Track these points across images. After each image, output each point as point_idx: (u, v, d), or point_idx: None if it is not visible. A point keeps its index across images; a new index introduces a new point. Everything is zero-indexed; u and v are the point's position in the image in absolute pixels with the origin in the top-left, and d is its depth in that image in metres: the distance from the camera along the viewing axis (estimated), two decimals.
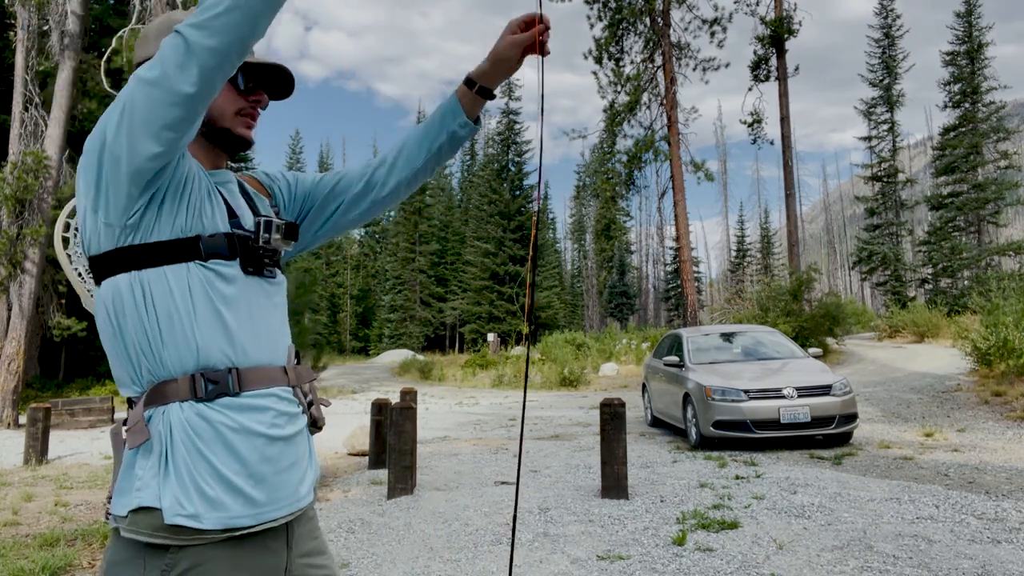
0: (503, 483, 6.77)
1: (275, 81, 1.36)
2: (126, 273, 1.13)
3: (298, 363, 1.31)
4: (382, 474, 6.95)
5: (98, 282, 1.17)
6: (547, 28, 1.30)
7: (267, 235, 1.25)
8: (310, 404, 1.32)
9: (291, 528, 1.24)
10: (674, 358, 9.52)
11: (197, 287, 1.15)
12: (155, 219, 1.14)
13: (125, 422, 1.18)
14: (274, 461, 1.17)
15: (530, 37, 1.31)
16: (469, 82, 1.39)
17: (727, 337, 10.13)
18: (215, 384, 1.13)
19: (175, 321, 1.13)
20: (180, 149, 1.14)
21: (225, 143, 1.33)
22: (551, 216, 54.53)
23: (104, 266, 1.15)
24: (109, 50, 16.17)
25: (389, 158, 1.46)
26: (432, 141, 1.43)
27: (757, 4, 24.65)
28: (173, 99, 1.07)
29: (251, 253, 1.23)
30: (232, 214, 1.25)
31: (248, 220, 1.28)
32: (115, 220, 1.13)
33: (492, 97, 1.43)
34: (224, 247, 1.19)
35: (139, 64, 1.31)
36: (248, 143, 1.33)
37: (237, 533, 1.12)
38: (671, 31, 24.35)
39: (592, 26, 25.28)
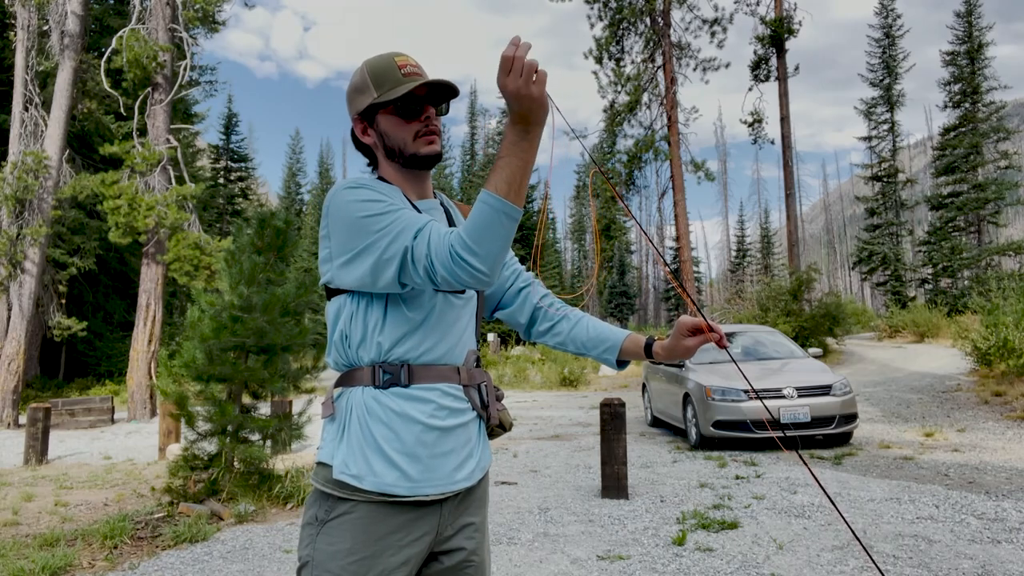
0: (503, 483, 6.77)
1: (434, 93, 1.48)
2: (346, 296, 1.43)
3: (477, 366, 1.51)
4: None
5: (329, 298, 1.48)
6: (721, 336, 1.51)
7: None
8: (484, 404, 1.50)
9: (445, 505, 1.43)
10: None
11: (392, 303, 1.40)
12: None
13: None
14: (429, 446, 1.39)
15: (704, 340, 1.53)
16: (648, 349, 1.63)
17: (727, 337, 10.12)
18: (390, 375, 1.39)
19: (367, 328, 1.40)
20: None
21: (417, 164, 1.50)
22: (551, 216, 54.55)
23: (331, 292, 1.47)
24: (109, 50, 16.16)
25: (558, 329, 1.70)
26: (588, 351, 1.69)
27: (757, 4, 24.66)
28: None
29: None
30: None
31: None
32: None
33: (657, 364, 1.63)
34: None
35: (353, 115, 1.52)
36: (437, 157, 1.49)
37: (391, 499, 1.36)
38: (671, 31, 24.34)
39: (592, 26, 25.29)
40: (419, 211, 1.47)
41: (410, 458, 1.36)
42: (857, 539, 1.33)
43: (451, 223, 1.56)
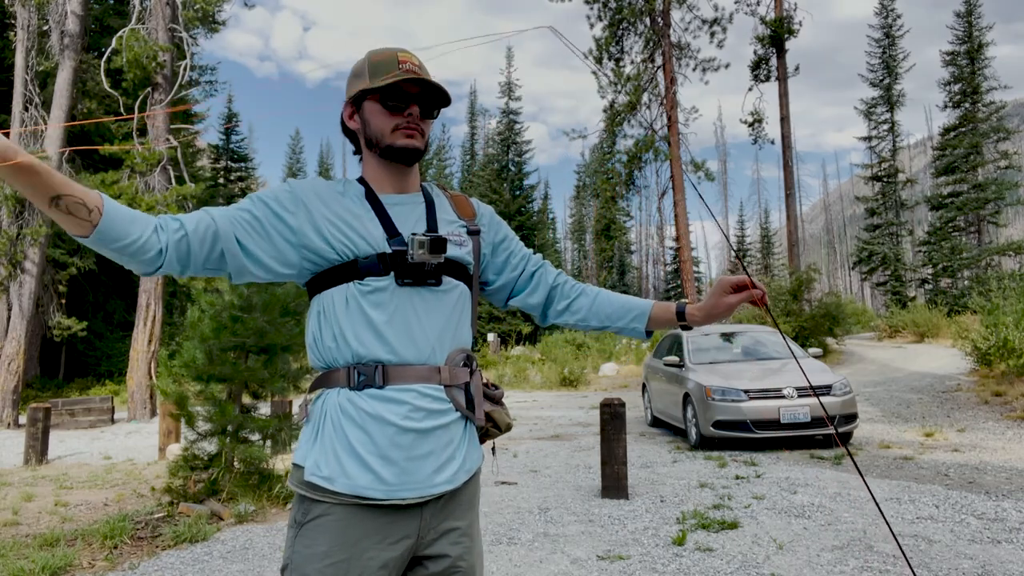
0: (502, 483, 6.77)
1: (427, 96, 1.48)
2: (316, 296, 1.44)
3: (466, 364, 1.44)
4: None
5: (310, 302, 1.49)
6: (764, 293, 1.50)
7: (411, 251, 1.39)
8: (471, 405, 1.44)
9: (426, 509, 1.39)
10: (674, 358, 9.51)
11: (354, 302, 1.38)
12: (316, 260, 1.42)
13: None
14: (405, 448, 1.35)
15: (746, 297, 1.51)
16: (680, 315, 1.58)
17: (727, 337, 10.13)
18: (364, 376, 1.36)
19: (336, 328, 1.39)
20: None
21: (394, 156, 1.47)
22: (551, 216, 54.53)
23: (309, 292, 1.48)
24: (109, 50, 16.16)
25: (576, 305, 1.65)
26: (613, 322, 1.63)
27: (757, 4, 24.66)
28: None
29: (406, 267, 1.39)
30: (393, 232, 1.42)
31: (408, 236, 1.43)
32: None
33: (688, 329, 1.63)
34: (377, 266, 1.39)
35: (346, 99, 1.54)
36: (415, 150, 1.47)
37: (365, 502, 1.33)
38: (671, 31, 24.34)
39: (592, 26, 25.29)
40: (382, 206, 1.46)
41: (384, 461, 1.33)
42: (902, 551, 1.33)
43: (431, 215, 1.50)
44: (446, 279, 1.45)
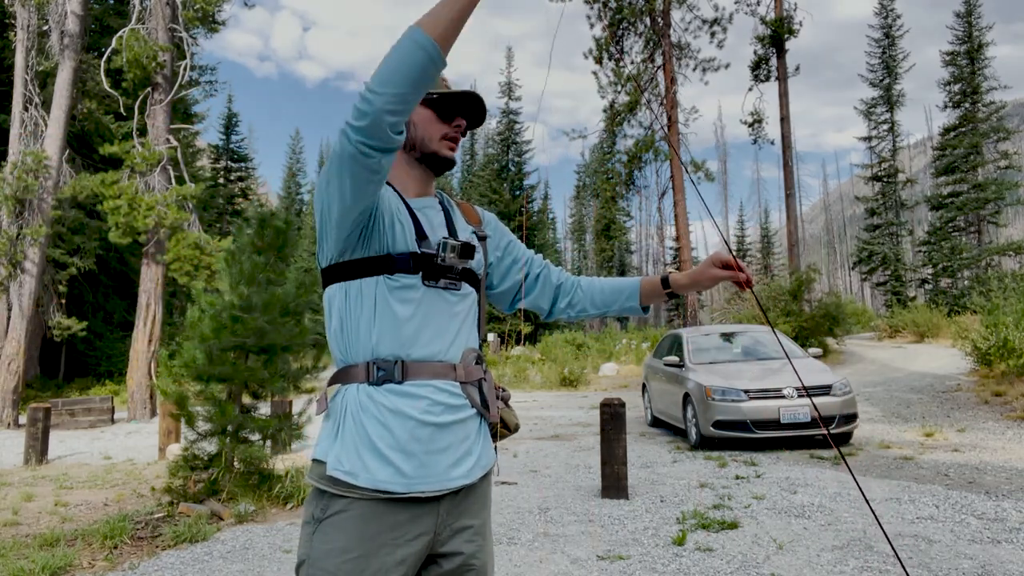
0: (503, 483, 6.77)
1: (470, 108, 1.56)
2: (339, 283, 1.44)
3: (478, 363, 1.50)
4: None
5: (324, 287, 1.48)
6: (749, 277, 1.58)
7: (443, 254, 1.45)
8: (484, 402, 1.49)
9: (442, 504, 1.42)
10: (674, 358, 9.51)
11: (381, 296, 1.41)
12: (358, 243, 1.42)
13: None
14: (424, 442, 1.38)
15: (732, 276, 1.59)
16: (665, 283, 1.68)
17: (727, 337, 10.13)
18: (384, 372, 1.39)
19: (361, 321, 1.41)
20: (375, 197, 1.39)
21: (433, 164, 1.54)
22: (551, 216, 54.50)
23: (327, 276, 1.47)
24: (109, 50, 16.16)
25: (575, 299, 1.76)
26: (608, 307, 1.75)
27: (757, 4, 24.66)
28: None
29: (433, 268, 1.45)
30: (421, 235, 1.46)
31: (436, 240, 1.48)
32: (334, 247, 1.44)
33: (676, 298, 1.65)
34: (408, 263, 1.43)
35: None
36: (452, 163, 1.55)
37: (385, 496, 1.35)
38: (671, 31, 24.34)
39: (592, 26, 25.28)
40: (411, 209, 1.49)
41: (404, 454, 1.36)
42: (894, 551, 1.33)
43: (449, 222, 1.56)
44: (463, 284, 1.51)
